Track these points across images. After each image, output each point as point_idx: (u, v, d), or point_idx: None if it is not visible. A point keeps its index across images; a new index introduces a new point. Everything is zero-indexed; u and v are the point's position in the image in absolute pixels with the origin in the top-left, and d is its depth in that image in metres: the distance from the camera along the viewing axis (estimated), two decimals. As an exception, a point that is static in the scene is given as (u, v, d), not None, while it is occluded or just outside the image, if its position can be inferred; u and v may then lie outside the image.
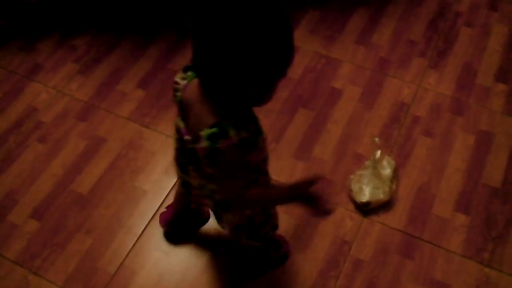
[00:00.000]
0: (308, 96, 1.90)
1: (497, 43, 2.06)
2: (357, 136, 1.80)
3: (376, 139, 1.64)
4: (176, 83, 1.06)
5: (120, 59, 2.03)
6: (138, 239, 1.59)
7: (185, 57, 2.02)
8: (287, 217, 1.61)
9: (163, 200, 1.66)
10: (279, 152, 1.76)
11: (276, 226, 1.40)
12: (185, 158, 1.11)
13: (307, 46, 2.05)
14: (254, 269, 1.54)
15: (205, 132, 0.93)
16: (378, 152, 1.63)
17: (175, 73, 2.06)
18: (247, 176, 1.04)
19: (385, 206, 1.64)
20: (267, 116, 1.82)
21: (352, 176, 1.66)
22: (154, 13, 2.19)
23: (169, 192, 1.68)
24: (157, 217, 1.62)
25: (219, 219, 1.27)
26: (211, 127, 0.93)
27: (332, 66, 1.99)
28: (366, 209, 1.63)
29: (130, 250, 1.57)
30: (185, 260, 1.55)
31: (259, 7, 0.85)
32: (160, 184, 1.70)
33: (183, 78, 1.05)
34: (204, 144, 0.93)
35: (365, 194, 1.61)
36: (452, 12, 2.16)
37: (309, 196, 1.03)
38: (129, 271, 1.54)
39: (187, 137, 1.01)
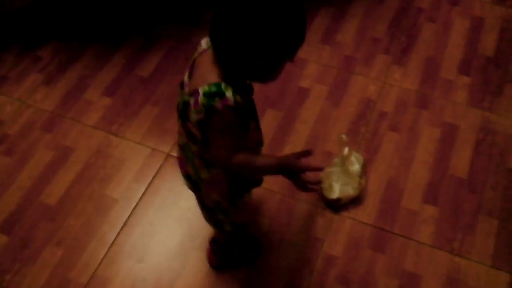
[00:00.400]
0: (275, 96, 1.91)
1: (459, 36, 2.11)
2: (326, 134, 1.82)
3: (343, 136, 1.66)
4: (199, 44, 1.09)
5: (85, 68, 2.01)
6: (109, 248, 1.58)
7: (151, 62, 2.02)
8: (260, 217, 1.62)
9: (134, 207, 1.65)
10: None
11: (244, 224, 1.41)
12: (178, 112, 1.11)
13: (273, 47, 2.06)
14: (223, 260, 1.54)
15: (203, 89, 0.96)
16: (346, 149, 1.65)
17: (142, 78, 2.07)
18: (238, 141, 1.05)
19: (355, 201, 1.66)
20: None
21: (321, 174, 1.67)
22: (119, 20, 2.18)
23: (139, 199, 1.67)
24: (129, 224, 1.61)
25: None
26: (209, 85, 0.96)
27: (299, 66, 2.00)
28: (336, 206, 1.65)
29: (102, 259, 1.56)
30: (158, 266, 1.55)
31: None
32: (130, 192, 1.69)
33: (207, 43, 1.07)
34: (200, 100, 0.96)
35: (335, 191, 1.63)
36: (414, 8, 2.20)
37: (295, 169, 1.06)
38: (102, 281, 1.52)
39: (186, 90, 1.04)
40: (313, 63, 2.01)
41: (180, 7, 2.21)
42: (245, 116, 1.05)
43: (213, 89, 0.96)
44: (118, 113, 1.88)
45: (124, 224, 1.62)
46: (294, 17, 0.93)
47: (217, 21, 0.95)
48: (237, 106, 0.98)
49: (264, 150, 1.75)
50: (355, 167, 1.66)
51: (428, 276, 1.53)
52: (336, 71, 1.98)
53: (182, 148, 1.18)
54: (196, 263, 1.55)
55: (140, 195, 1.68)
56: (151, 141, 1.80)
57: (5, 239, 1.60)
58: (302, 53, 2.02)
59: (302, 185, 1.10)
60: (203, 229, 1.60)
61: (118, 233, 1.60)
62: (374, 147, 1.78)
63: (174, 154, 1.77)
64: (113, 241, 1.59)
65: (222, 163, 1.08)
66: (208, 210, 1.30)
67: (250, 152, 1.08)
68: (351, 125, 1.84)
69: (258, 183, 1.33)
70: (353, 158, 1.67)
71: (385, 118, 1.86)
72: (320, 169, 1.07)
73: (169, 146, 1.79)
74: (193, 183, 1.22)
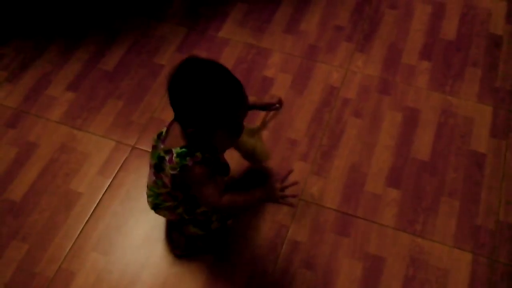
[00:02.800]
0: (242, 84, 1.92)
1: (420, 22, 2.14)
2: (290, 122, 1.83)
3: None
4: (169, 124, 1.32)
5: (48, 64, 2.00)
6: (75, 241, 1.58)
7: (115, 56, 2.01)
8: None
9: (99, 201, 1.65)
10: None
11: (223, 218, 1.53)
12: (153, 160, 1.32)
13: (237, 38, 2.07)
14: (187, 250, 1.57)
15: (176, 150, 1.21)
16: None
17: (105, 72, 2.07)
18: (219, 187, 1.27)
19: (321, 187, 1.68)
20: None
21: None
22: (80, 14, 2.16)
23: (104, 193, 1.67)
24: (94, 217, 1.61)
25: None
26: (181, 148, 1.21)
27: (263, 56, 2.01)
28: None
29: (67, 253, 1.56)
30: (124, 258, 1.55)
31: (212, 75, 1.14)
32: (95, 185, 1.69)
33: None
34: (174, 159, 1.20)
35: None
36: (376, -4, 2.23)
37: (276, 198, 1.26)
38: (68, 274, 1.52)
39: (161, 146, 1.27)
40: (277, 52, 2.03)
41: (143, 1, 2.21)
42: (215, 170, 1.27)
43: (185, 150, 1.20)
44: (82, 107, 1.87)
45: (89, 218, 1.62)
46: (220, 97, 1.12)
47: (172, 103, 1.17)
48: (205, 160, 1.21)
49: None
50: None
51: (391, 258, 1.55)
52: (299, 60, 2.00)
53: (148, 188, 1.41)
54: (161, 254, 1.56)
55: (105, 188, 1.68)
56: (115, 134, 1.80)
57: (-30, 237, 1.60)
58: (266, 43, 2.06)
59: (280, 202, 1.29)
60: (167, 221, 1.61)
61: (83, 227, 1.60)
62: (338, 133, 1.80)
63: (139, 146, 1.77)
64: (78, 235, 1.59)
65: (213, 208, 1.29)
66: (196, 220, 1.48)
67: (232, 193, 1.27)
68: (315, 112, 1.85)
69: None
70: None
71: (348, 104, 1.88)
72: (296, 183, 1.29)
73: (134, 139, 1.79)
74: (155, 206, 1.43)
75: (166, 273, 1.53)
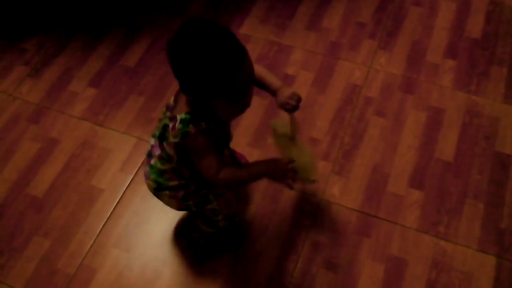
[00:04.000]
0: (261, 84, 1.91)
1: (445, 20, 2.10)
2: (312, 120, 1.81)
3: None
4: (176, 92, 1.25)
5: (70, 59, 2.00)
6: (96, 238, 1.58)
7: (136, 52, 2.01)
8: (245, 205, 1.62)
9: (120, 197, 1.66)
10: (235, 141, 1.75)
11: (230, 217, 1.47)
12: (158, 131, 1.26)
13: (258, 34, 2.05)
14: (207, 249, 1.56)
15: (180, 116, 1.13)
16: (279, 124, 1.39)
17: (127, 69, 2.07)
18: (219, 159, 1.19)
19: (342, 187, 1.66)
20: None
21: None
22: (102, 10, 2.17)
23: (125, 189, 1.67)
24: (115, 214, 1.61)
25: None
26: (186, 113, 1.13)
27: (284, 53, 2.00)
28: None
29: (88, 249, 1.57)
30: (145, 255, 1.55)
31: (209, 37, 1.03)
32: (116, 182, 1.69)
33: None
34: (177, 125, 1.13)
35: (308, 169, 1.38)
36: (400, -7, 2.19)
37: (283, 169, 1.21)
38: (89, 270, 1.53)
39: (168, 114, 1.21)
40: (298, 49, 2.00)
41: (165, -4, 2.21)
42: (220, 142, 1.21)
43: (188, 117, 1.13)
44: (103, 103, 1.87)
45: (111, 214, 1.63)
46: (221, 55, 1.02)
47: (172, 67, 1.08)
48: (209, 131, 1.14)
49: (251, 137, 1.77)
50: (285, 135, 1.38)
51: (413, 260, 1.53)
52: (321, 57, 1.98)
53: (149, 166, 1.32)
54: (182, 251, 1.56)
55: (126, 185, 1.68)
56: (136, 131, 1.80)
57: (-7, 231, 1.61)
58: (287, 40, 2.04)
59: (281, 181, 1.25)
60: (188, 218, 1.61)
61: (105, 223, 1.61)
62: (360, 132, 1.78)
63: (160, 143, 1.77)
64: (100, 231, 1.60)
65: (212, 181, 1.20)
66: (204, 216, 1.44)
67: (233, 167, 1.22)
68: (337, 111, 1.83)
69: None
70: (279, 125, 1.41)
71: (371, 103, 1.85)
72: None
73: (155, 136, 1.79)
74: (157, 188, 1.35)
75: (186, 271, 1.53)
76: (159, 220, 1.62)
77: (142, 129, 1.81)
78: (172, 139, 1.17)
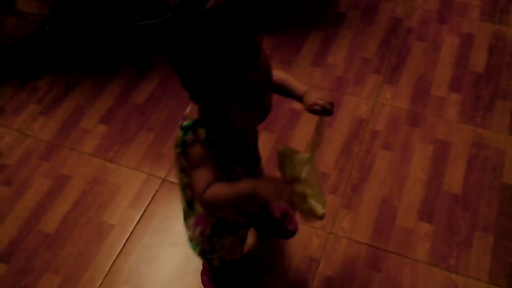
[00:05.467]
0: (268, 119, 1.91)
1: (449, 54, 2.14)
2: (319, 155, 1.83)
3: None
4: None
5: (82, 97, 2.05)
6: (106, 274, 1.59)
7: (146, 89, 2.05)
8: (254, 240, 1.63)
9: (130, 233, 1.67)
10: (243, 176, 1.78)
11: (226, 262, 1.41)
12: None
13: (265, 71, 2.10)
14: (217, 284, 1.55)
15: (183, 123, 1.03)
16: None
17: (137, 106, 2.10)
18: (213, 178, 1.03)
19: (351, 221, 1.67)
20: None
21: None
22: (113, 49, 2.22)
23: (136, 225, 1.68)
24: (125, 250, 1.62)
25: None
26: (192, 121, 1.02)
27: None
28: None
29: (99, 286, 1.57)
30: (155, 292, 1.56)
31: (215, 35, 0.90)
32: (126, 217, 1.70)
33: None
34: (179, 133, 1.03)
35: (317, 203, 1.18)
36: (403, 28, 2.24)
37: (277, 195, 1.00)
38: (99, 308, 1.53)
39: (180, 122, 1.08)
40: (305, 84, 2.04)
41: (174, 35, 2.26)
42: (226, 157, 1.06)
43: (189, 124, 1.01)
44: (114, 140, 1.90)
45: (121, 250, 1.63)
46: (227, 49, 0.89)
47: (176, 74, 0.98)
48: (209, 142, 1.01)
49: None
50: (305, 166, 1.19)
51: (425, 294, 1.53)
52: (327, 92, 2.01)
53: (178, 179, 1.22)
54: (193, 287, 1.56)
55: (136, 220, 1.70)
56: (146, 166, 1.83)
57: (5, 267, 1.61)
58: (294, 75, 2.04)
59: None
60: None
61: (115, 260, 1.61)
62: (368, 166, 1.80)
63: (170, 179, 1.79)
64: (110, 268, 1.60)
65: (199, 200, 1.07)
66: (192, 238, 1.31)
67: (220, 184, 1.03)
68: (344, 145, 1.85)
69: (243, 225, 1.32)
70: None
71: (377, 137, 1.87)
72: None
73: (164, 171, 1.81)
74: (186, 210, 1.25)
75: (197, 308, 1.52)
76: (169, 256, 1.62)
77: (151, 164, 1.83)
78: (177, 148, 1.06)
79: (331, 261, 1.59)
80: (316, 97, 1.11)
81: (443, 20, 2.27)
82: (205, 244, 1.29)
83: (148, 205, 1.73)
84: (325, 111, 1.11)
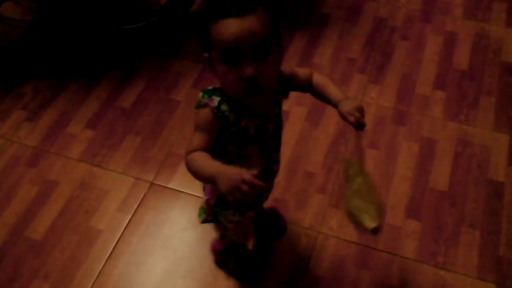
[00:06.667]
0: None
1: (433, 52, 2.16)
2: (307, 155, 1.84)
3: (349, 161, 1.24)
4: None
5: (68, 102, 2.04)
6: (96, 279, 1.58)
7: (132, 93, 2.05)
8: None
9: (119, 238, 1.66)
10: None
11: (236, 245, 1.47)
12: None
13: (251, 73, 2.10)
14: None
15: (205, 88, 1.07)
16: (350, 167, 1.22)
17: (123, 110, 2.09)
18: (205, 144, 1.05)
19: (340, 219, 1.68)
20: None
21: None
22: (99, 54, 2.22)
23: (124, 229, 1.68)
24: (114, 255, 1.61)
25: None
26: (213, 87, 1.06)
27: (278, 89, 2.04)
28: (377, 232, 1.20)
29: (88, 291, 1.56)
30: (145, 296, 1.55)
31: None
32: (115, 222, 1.70)
33: None
34: (199, 95, 1.06)
35: (369, 216, 1.18)
36: (387, 28, 2.26)
37: (238, 178, 0.92)
38: (89, 313, 1.52)
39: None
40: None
41: (159, 39, 2.26)
42: (238, 133, 1.07)
43: (209, 89, 1.05)
44: (100, 145, 1.90)
45: (110, 255, 1.63)
46: None
47: None
48: (219, 112, 1.03)
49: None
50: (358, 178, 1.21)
51: (414, 291, 1.54)
52: (314, 93, 2.02)
53: None
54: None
55: (124, 225, 1.69)
56: (134, 170, 1.82)
57: (-8, 276, 1.60)
58: (280, 76, 2.08)
59: (239, 204, 1.07)
60: (188, 256, 1.61)
61: (104, 264, 1.61)
62: (355, 165, 1.81)
63: (158, 182, 1.79)
64: (99, 273, 1.59)
65: (185, 155, 1.07)
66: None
67: (203, 154, 1.03)
68: (331, 144, 1.86)
69: (249, 206, 1.32)
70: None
71: (363, 136, 1.89)
72: (262, 185, 0.92)
73: (152, 175, 1.81)
74: None
75: (187, 310, 1.52)
76: (157, 260, 1.62)
77: (139, 168, 1.83)
78: (195, 110, 1.09)
79: (320, 260, 1.60)
80: (353, 107, 1.11)
81: (427, 19, 2.30)
82: (208, 214, 1.28)
83: (136, 209, 1.73)
84: (358, 125, 1.10)
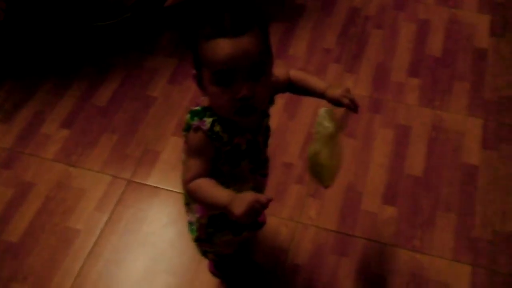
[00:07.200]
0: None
1: (406, 40, 2.17)
2: (284, 146, 1.85)
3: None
4: None
5: (42, 102, 2.02)
6: (75, 279, 1.57)
7: (107, 91, 2.03)
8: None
9: (98, 237, 1.65)
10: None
11: (221, 256, 1.45)
12: None
13: (227, 66, 2.10)
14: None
15: (193, 108, 1.04)
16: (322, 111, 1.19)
17: (99, 108, 2.08)
18: (204, 169, 1.03)
19: (318, 209, 1.69)
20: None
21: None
22: (72, 52, 2.19)
23: (103, 228, 1.67)
24: (93, 254, 1.61)
25: None
26: (200, 106, 1.04)
27: (253, 82, 2.04)
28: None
29: (68, 291, 1.56)
30: (125, 293, 1.55)
31: None
32: (93, 221, 1.69)
33: None
34: (186, 117, 1.03)
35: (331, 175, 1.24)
36: (361, 17, 2.27)
37: (244, 216, 0.93)
38: (69, 313, 1.52)
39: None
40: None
41: (133, 35, 2.25)
42: (231, 152, 1.06)
43: (199, 110, 1.02)
44: (76, 144, 1.88)
45: (89, 254, 1.62)
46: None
47: None
48: (212, 134, 1.00)
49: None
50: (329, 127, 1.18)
51: (392, 275, 1.55)
52: (289, 84, 2.03)
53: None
54: (161, 286, 1.55)
55: (103, 223, 1.68)
56: (111, 169, 1.81)
57: (-31, 280, 1.59)
58: (256, 69, 2.08)
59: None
60: (168, 252, 1.62)
61: (83, 264, 1.60)
62: (332, 155, 1.82)
63: (136, 180, 1.78)
64: (78, 272, 1.58)
65: (183, 187, 1.06)
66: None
67: (208, 182, 1.01)
68: (308, 135, 1.87)
69: (249, 227, 1.32)
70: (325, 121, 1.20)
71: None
72: (270, 200, 0.94)
73: (130, 173, 1.80)
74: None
75: (168, 306, 1.53)
76: (137, 257, 1.61)
77: (116, 166, 1.82)
78: (183, 133, 1.06)
79: (300, 250, 1.61)
80: (343, 90, 1.13)
81: (400, 7, 2.31)
82: (201, 233, 1.27)
83: (114, 207, 1.72)
84: (354, 106, 1.13)
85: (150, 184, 1.77)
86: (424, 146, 1.83)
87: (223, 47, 0.91)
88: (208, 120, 1.00)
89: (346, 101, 1.12)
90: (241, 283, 1.56)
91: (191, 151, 1.03)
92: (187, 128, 1.03)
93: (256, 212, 0.92)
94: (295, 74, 1.19)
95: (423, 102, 1.96)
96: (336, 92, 1.14)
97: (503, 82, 2.02)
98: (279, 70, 1.18)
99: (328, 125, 1.16)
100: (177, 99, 2.01)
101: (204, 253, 1.43)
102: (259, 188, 1.30)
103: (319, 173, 1.21)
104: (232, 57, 0.92)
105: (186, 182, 1.03)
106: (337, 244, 1.62)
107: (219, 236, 1.28)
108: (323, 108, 1.17)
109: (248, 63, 0.93)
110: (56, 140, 1.90)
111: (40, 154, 1.86)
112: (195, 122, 1.01)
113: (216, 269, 1.55)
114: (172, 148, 1.86)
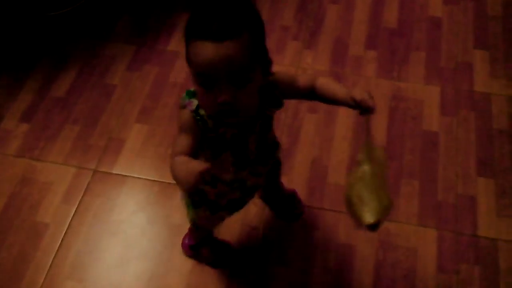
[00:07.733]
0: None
1: (362, 13, 2.20)
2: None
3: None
4: None
5: (-1, 97, 1.98)
6: (47, 273, 1.56)
7: (66, 81, 2.00)
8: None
9: (67, 229, 1.64)
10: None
11: (199, 229, 1.48)
12: None
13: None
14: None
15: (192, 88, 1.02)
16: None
17: (58, 99, 2.03)
18: (187, 147, 1.02)
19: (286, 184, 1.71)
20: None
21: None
22: (26, 45, 2.14)
23: (71, 220, 1.66)
24: (64, 246, 1.60)
25: None
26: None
27: (214, 63, 2.04)
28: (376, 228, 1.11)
29: (41, 285, 1.54)
30: (100, 282, 1.54)
31: None
32: (60, 214, 1.67)
33: None
34: (182, 95, 1.04)
35: (370, 210, 1.09)
36: (317, -7, 2.28)
37: (189, 185, 0.89)
38: (44, 307, 1.51)
39: None
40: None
41: (88, 23, 2.20)
42: (214, 140, 1.06)
43: (191, 90, 1.02)
44: (38, 137, 1.85)
45: (59, 247, 1.61)
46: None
47: None
48: (197, 116, 1.01)
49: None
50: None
51: (361, 244, 1.60)
52: (250, 64, 2.03)
53: None
54: (135, 272, 1.56)
55: (71, 215, 1.67)
56: (75, 160, 1.79)
57: None
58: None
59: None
60: (139, 239, 1.62)
61: (54, 256, 1.59)
62: (296, 130, 1.84)
63: (101, 169, 1.77)
64: (50, 265, 1.57)
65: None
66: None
67: (186, 157, 0.97)
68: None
69: (225, 208, 1.33)
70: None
71: (302, 101, 1.91)
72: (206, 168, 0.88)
73: (94, 162, 1.78)
74: None
75: (144, 291, 1.54)
76: (109, 245, 1.61)
77: (80, 157, 1.80)
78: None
79: (270, 226, 1.64)
80: (364, 93, 1.06)
81: (355, -20, 2.33)
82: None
83: (81, 198, 1.71)
84: (367, 110, 1.06)
85: (116, 172, 1.76)
86: (385, 117, 1.87)
87: (206, 50, 0.89)
88: (195, 102, 1.01)
89: (364, 105, 1.05)
90: (213, 263, 1.58)
91: (180, 128, 1.04)
92: (181, 105, 1.04)
93: (195, 181, 0.86)
94: (322, 81, 1.14)
95: (381, 74, 2.00)
96: (358, 95, 1.06)
97: (458, 49, 2.08)
98: (305, 76, 1.18)
99: (366, 166, 1.07)
100: (138, 85, 1.99)
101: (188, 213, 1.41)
102: (255, 187, 1.33)
103: (356, 208, 1.10)
104: (212, 62, 0.89)
105: (170, 157, 1.01)
106: (306, 218, 1.65)
107: (195, 211, 1.33)
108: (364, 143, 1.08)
109: (228, 69, 0.90)
110: (17, 135, 1.86)
111: (1, 150, 1.82)
112: (185, 100, 1.03)
113: (192, 249, 1.57)
114: (136, 135, 1.85)
